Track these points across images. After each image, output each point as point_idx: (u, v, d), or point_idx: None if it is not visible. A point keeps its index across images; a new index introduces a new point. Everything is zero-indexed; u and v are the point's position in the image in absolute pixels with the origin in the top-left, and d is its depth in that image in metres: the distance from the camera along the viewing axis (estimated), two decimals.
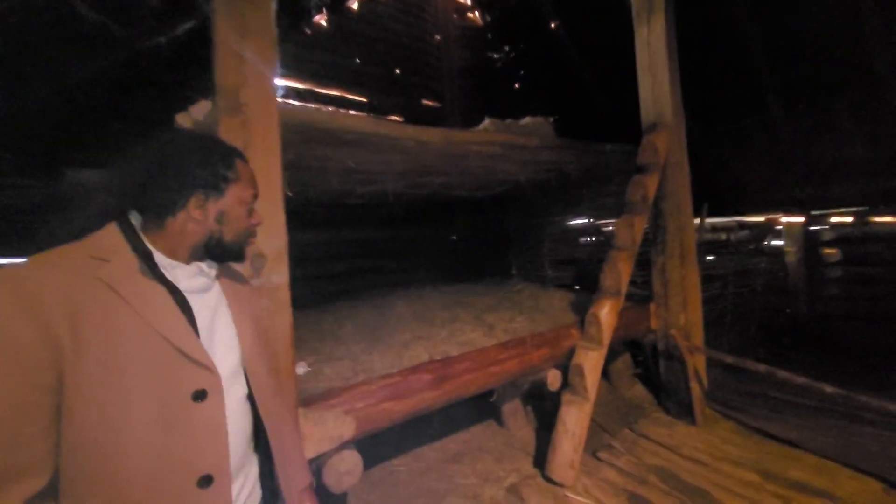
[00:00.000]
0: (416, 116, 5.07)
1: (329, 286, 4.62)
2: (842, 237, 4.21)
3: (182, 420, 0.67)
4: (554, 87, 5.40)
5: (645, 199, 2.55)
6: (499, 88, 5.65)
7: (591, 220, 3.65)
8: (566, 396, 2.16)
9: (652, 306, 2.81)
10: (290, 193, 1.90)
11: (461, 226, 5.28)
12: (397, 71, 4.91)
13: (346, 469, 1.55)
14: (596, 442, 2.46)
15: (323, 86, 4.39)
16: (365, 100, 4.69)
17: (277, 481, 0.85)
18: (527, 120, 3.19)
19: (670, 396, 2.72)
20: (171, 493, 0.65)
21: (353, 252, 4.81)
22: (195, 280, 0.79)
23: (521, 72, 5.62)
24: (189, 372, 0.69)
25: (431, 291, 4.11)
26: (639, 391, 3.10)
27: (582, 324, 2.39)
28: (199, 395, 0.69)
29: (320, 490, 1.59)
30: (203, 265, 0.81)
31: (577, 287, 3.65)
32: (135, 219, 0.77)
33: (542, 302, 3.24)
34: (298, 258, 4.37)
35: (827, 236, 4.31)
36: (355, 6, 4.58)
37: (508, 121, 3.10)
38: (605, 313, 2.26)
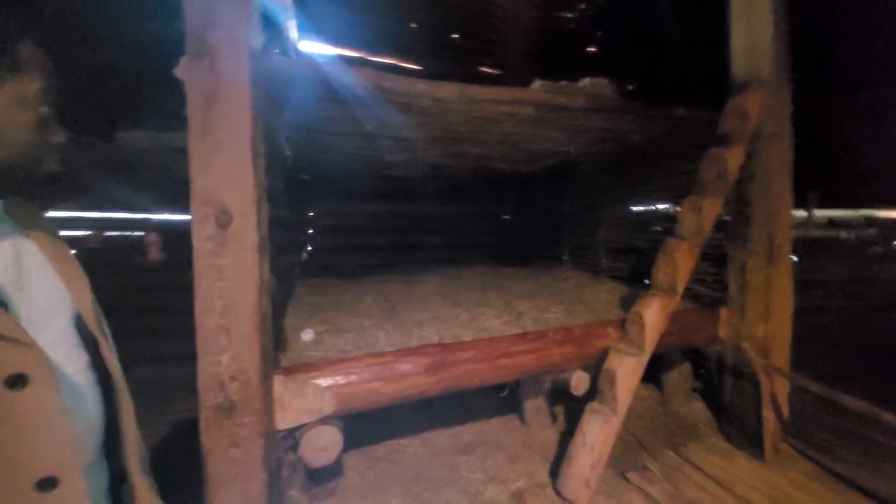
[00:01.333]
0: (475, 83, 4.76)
1: (371, 258, 4.65)
2: None
3: None
4: (634, 50, 4.68)
5: (722, 177, 2.05)
6: (570, 53, 5.06)
7: (659, 203, 3.11)
8: (591, 405, 1.86)
9: (722, 311, 2.31)
10: (288, 153, 1.82)
11: (513, 205, 4.94)
12: (454, 36, 4.61)
13: (323, 445, 1.47)
14: (629, 459, 2.13)
15: (374, 54, 4.28)
16: (419, 67, 4.49)
17: (125, 463, 0.68)
18: (585, 81, 2.75)
19: (734, 421, 2.25)
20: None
21: (397, 226, 4.77)
22: None
23: (599, 32, 4.96)
24: None
25: (470, 271, 3.92)
26: (696, 409, 2.63)
27: (623, 323, 2.03)
28: (16, 381, 0.52)
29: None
30: None
31: (633, 280, 3.18)
32: None
33: (587, 293, 2.86)
34: (341, 229, 4.47)
35: None
36: None
37: (563, 83, 2.71)
38: (652, 313, 1.88)
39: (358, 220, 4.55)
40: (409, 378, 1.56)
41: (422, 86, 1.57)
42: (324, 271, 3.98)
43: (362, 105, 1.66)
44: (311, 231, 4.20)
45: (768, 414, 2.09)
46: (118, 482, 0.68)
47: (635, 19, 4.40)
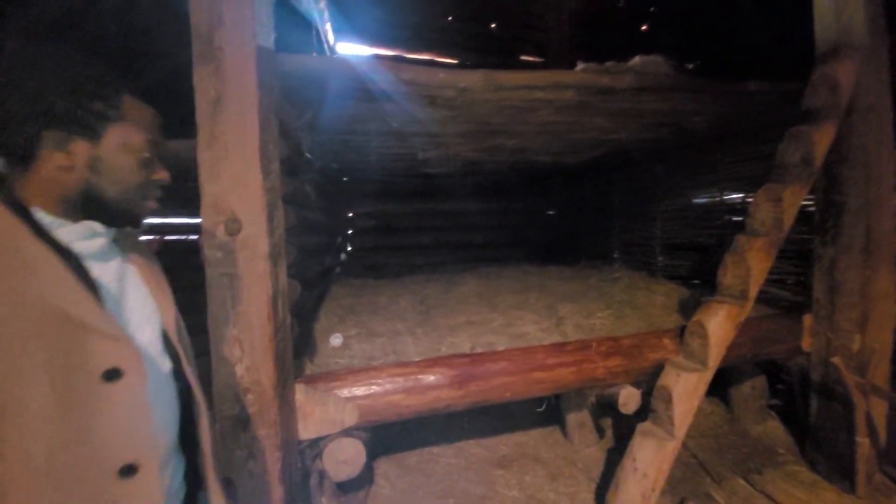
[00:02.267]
0: None
1: (416, 257, 4.61)
2: None
3: (93, 403, 0.58)
4: (695, 25, 4.19)
5: (808, 160, 1.72)
6: (620, 34, 4.66)
7: (728, 193, 2.73)
8: (643, 426, 1.64)
9: (806, 319, 1.96)
10: (308, 156, 1.78)
11: (559, 199, 4.67)
12: (493, 25, 4.42)
13: (345, 458, 1.41)
14: (689, 486, 1.88)
15: (411, 51, 4.21)
16: (456, 61, 4.36)
17: (202, 470, 0.74)
18: (635, 60, 2.47)
19: (821, 447, 1.90)
20: (87, 486, 0.57)
21: (438, 225, 4.69)
22: (89, 243, 0.66)
23: (651, 7, 4.52)
24: (96, 346, 0.58)
25: (514, 270, 3.74)
26: (772, 430, 2.27)
27: (682, 332, 1.77)
28: (113, 374, 0.59)
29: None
30: (96, 225, 0.67)
31: (694, 281, 2.84)
32: None
33: (639, 296, 2.59)
34: (382, 228, 4.47)
35: None
36: None
37: (609, 63, 2.45)
38: (717, 323, 1.61)
39: (399, 219, 4.54)
40: (433, 391, 1.46)
41: (442, 75, 1.45)
42: (365, 271, 4.00)
43: (384, 100, 1.58)
44: (350, 231, 4.24)
45: (862, 440, 1.74)
46: (195, 488, 0.74)
47: None
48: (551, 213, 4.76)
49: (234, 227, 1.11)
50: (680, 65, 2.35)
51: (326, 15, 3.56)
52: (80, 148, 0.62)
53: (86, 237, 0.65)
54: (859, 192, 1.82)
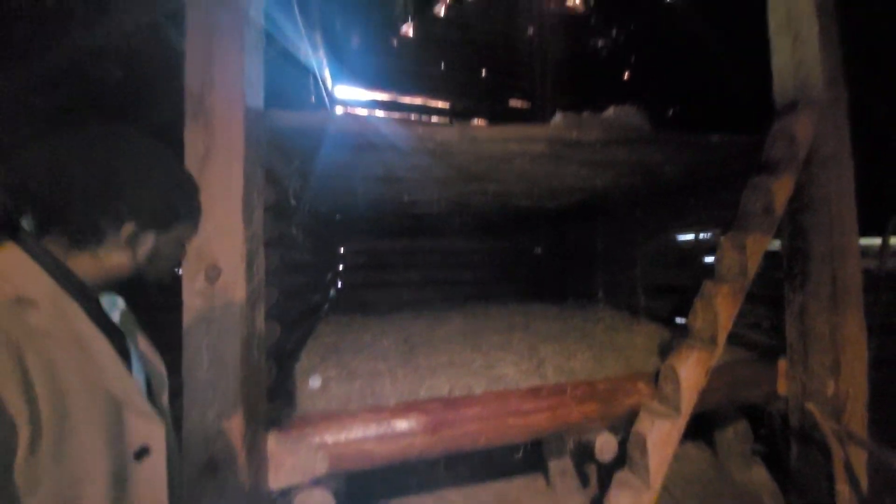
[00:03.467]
0: (502, 119, 4.78)
1: (405, 294, 4.63)
2: None
3: (126, 483, 0.58)
4: (672, 73, 4.48)
5: (768, 210, 1.81)
6: (602, 80, 4.96)
7: (704, 233, 2.83)
8: (620, 475, 1.63)
9: (781, 363, 1.99)
10: (293, 202, 1.86)
11: (544, 239, 4.77)
12: (483, 72, 4.69)
13: None
14: None
15: (405, 94, 4.44)
16: (447, 105, 4.59)
17: None
18: (609, 111, 2.64)
19: (804, 495, 1.88)
20: None
21: (430, 262, 4.75)
22: (114, 315, 0.70)
23: (632, 58, 4.83)
24: (131, 425, 0.60)
25: (500, 309, 3.76)
26: (757, 476, 2.24)
27: (657, 377, 1.79)
28: (142, 453, 0.61)
29: None
30: (118, 299, 0.71)
31: (677, 321, 2.87)
32: (29, 226, 0.61)
33: (620, 337, 2.61)
34: (372, 265, 4.51)
35: None
36: (442, 13, 4.54)
37: (585, 114, 2.61)
38: (688, 369, 1.64)
39: (388, 256, 4.60)
40: (406, 437, 1.46)
41: (422, 130, 1.54)
42: (353, 307, 4.01)
43: (369, 150, 1.68)
44: (341, 268, 4.29)
45: (842, 488, 1.73)
46: None
47: (668, 42, 4.24)
48: (537, 252, 4.84)
49: (213, 274, 1.16)
50: (654, 114, 2.51)
51: (325, 62, 3.78)
52: (147, 241, 0.64)
53: (111, 310, 0.68)
54: (823, 239, 1.90)
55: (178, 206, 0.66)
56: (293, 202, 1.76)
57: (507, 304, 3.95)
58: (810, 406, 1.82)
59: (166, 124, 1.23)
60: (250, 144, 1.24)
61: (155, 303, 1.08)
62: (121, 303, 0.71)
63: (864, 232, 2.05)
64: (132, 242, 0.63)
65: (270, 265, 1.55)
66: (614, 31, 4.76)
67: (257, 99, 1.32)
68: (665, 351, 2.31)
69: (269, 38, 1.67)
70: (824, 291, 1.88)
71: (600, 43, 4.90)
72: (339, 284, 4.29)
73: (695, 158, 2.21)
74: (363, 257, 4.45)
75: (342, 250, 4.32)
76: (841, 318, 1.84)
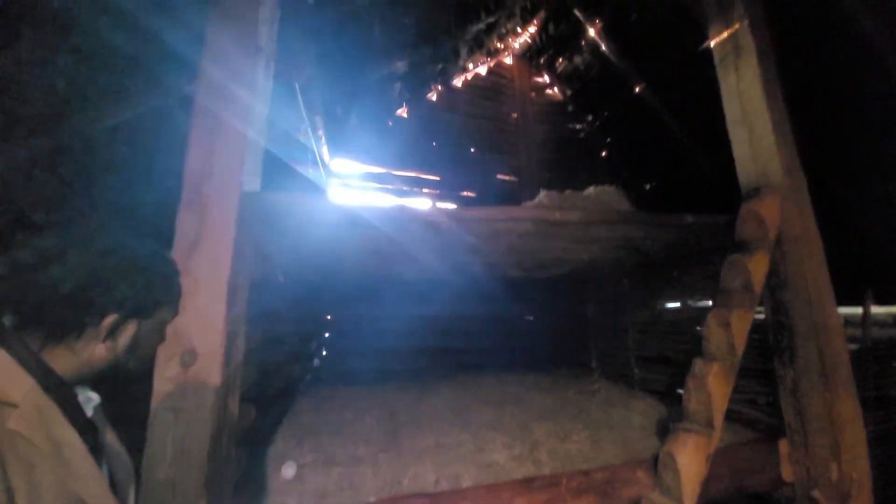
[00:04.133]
0: (491, 191, 5.02)
1: (393, 363, 4.48)
2: None
3: None
4: (646, 153, 4.85)
5: (747, 286, 1.86)
6: (582, 159, 5.33)
7: (687, 306, 2.86)
8: None
9: (782, 445, 1.91)
10: (281, 279, 1.87)
11: (536, 307, 4.76)
12: (472, 149, 5.02)
13: None
14: None
15: (399, 168, 4.70)
16: (438, 178, 4.84)
17: None
18: (590, 190, 2.79)
19: None
20: None
21: (419, 330, 4.66)
22: (87, 409, 0.66)
23: (608, 139, 5.25)
24: None
25: (491, 379, 3.62)
26: None
27: (655, 462, 1.70)
28: None
29: None
30: (92, 394, 0.68)
31: (672, 395, 2.79)
32: (9, 322, 0.60)
33: (617, 414, 2.51)
34: (359, 332, 4.41)
35: None
36: (434, 98, 4.97)
37: (568, 192, 2.76)
38: (688, 455, 1.56)
39: (377, 323, 4.51)
40: None
41: (409, 212, 1.61)
42: (337, 377, 3.84)
43: (361, 228, 1.73)
44: (327, 335, 4.18)
45: None
46: None
47: (642, 126, 4.64)
48: (529, 319, 4.81)
49: (189, 359, 1.12)
50: (633, 191, 2.65)
51: (324, 139, 4.03)
52: (128, 331, 0.64)
53: (85, 405, 0.65)
54: (804, 314, 1.94)
55: (159, 294, 0.66)
56: (281, 278, 1.77)
57: (499, 375, 3.81)
58: (816, 493, 1.72)
59: (161, 202, 1.26)
60: (242, 226, 1.27)
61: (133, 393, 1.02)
62: (94, 397, 0.68)
63: (842, 302, 2.11)
64: (112, 334, 0.62)
65: (251, 342, 1.51)
66: (591, 117, 5.22)
67: (254, 183, 1.38)
68: (663, 430, 2.21)
69: (271, 121, 1.80)
70: (814, 368, 1.87)
71: (578, 126, 5.35)
72: (324, 353, 4.14)
73: (673, 235, 2.31)
74: (351, 324, 4.36)
75: (329, 317, 4.24)
76: (833, 395, 1.81)
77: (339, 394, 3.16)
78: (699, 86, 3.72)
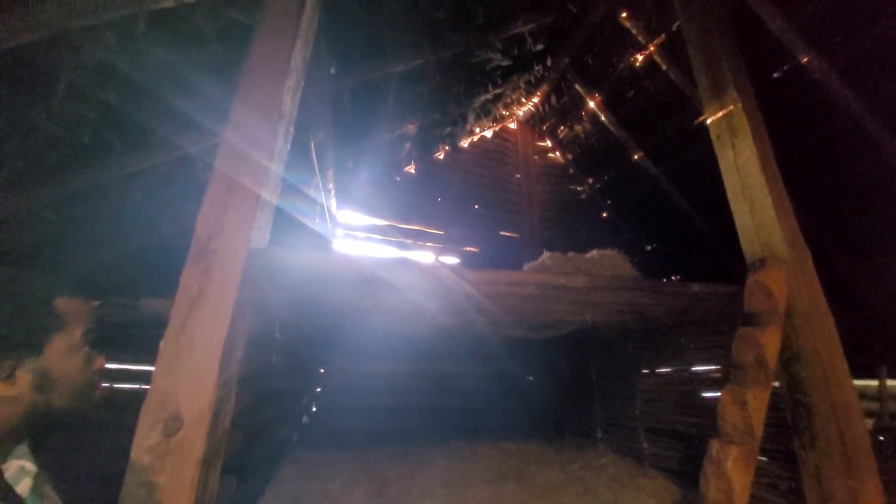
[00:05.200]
0: (493, 247, 5.07)
1: (387, 423, 4.23)
2: None
3: None
4: (646, 216, 4.96)
5: (761, 361, 1.79)
6: (583, 219, 5.45)
7: (694, 374, 2.75)
8: None
9: None
10: (279, 335, 1.81)
11: (537, 366, 4.60)
12: (476, 206, 5.14)
13: None
14: None
15: (404, 222, 4.78)
16: (442, 232, 4.91)
17: None
18: (593, 253, 2.81)
19: None
20: None
21: (415, 387, 4.47)
22: (20, 486, 0.59)
23: (608, 201, 5.39)
24: None
25: (489, 447, 3.40)
26: None
27: None
28: None
29: None
30: (25, 463, 0.61)
31: (685, 476, 2.59)
32: None
33: (627, 496, 2.32)
34: (352, 388, 4.23)
35: None
36: (441, 157, 5.18)
37: (571, 254, 2.77)
38: None
39: (371, 378, 4.34)
40: None
41: (410, 274, 1.60)
42: (327, 438, 3.60)
43: (361, 285, 1.71)
44: (318, 390, 3.99)
45: None
46: None
47: (641, 190, 4.78)
48: (530, 379, 4.63)
49: (174, 426, 1.04)
50: (635, 254, 2.66)
51: (333, 191, 4.14)
52: (27, 369, 0.60)
53: (15, 481, 0.59)
54: (822, 392, 1.84)
55: (45, 321, 0.63)
56: (279, 335, 1.71)
57: (498, 442, 3.58)
58: None
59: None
60: (246, 283, 1.25)
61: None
62: (30, 466, 0.61)
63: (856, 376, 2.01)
64: (8, 378, 0.58)
65: (240, 404, 1.43)
66: (591, 179, 5.40)
67: (263, 240, 1.39)
68: None
69: (284, 178, 1.85)
70: (836, 451, 1.74)
71: (579, 188, 5.52)
72: (315, 409, 3.93)
73: (678, 303, 2.27)
74: (344, 378, 4.19)
75: (322, 371, 4.08)
76: (858, 482, 1.67)
77: (326, 459, 2.95)
78: (696, 156, 3.89)
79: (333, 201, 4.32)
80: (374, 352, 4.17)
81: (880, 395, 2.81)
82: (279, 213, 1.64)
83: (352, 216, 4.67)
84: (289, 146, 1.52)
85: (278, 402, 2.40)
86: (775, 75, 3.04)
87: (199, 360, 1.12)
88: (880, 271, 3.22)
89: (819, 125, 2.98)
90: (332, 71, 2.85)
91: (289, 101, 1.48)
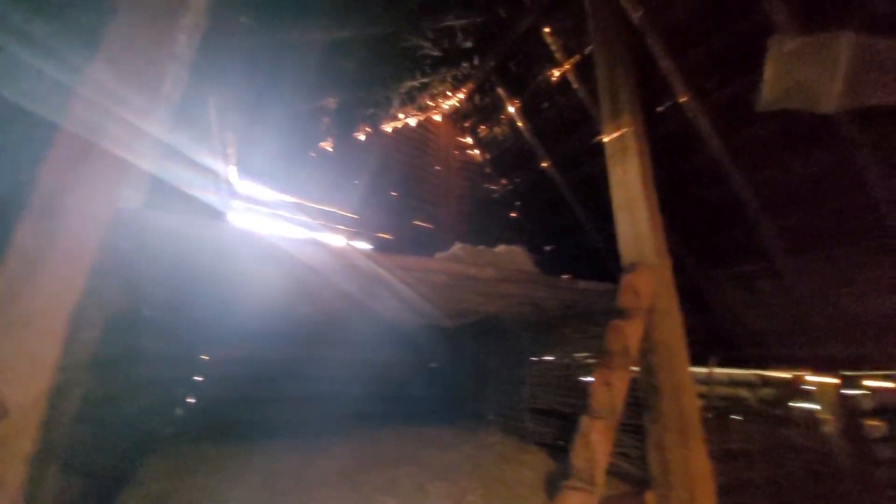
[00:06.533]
0: (406, 236, 5.07)
1: (280, 412, 3.98)
2: (884, 406, 3.42)
3: None
4: (548, 219, 5.42)
5: (626, 350, 2.10)
6: (494, 217, 5.74)
7: (575, 361, 3.12)
8: None
9: (648, 497, 2.10)
10: (149, 313, 1.59)
11: (441, 353, 4.76)
12: (393, 193, 5.08)
13: None
14: None
15: (316, 201, 4.50)
16: (356, 216, 4.75)
17: None
18: (501, 248, 2.99)
19: None
20: None
21: (315, 375, 4.28)
22: None
23: (517, 202, 5.76)
24: None
25: (389, 433, 3.43)
26: None
27: None
28: None
29: None
30: None
31: (561, 449, 2.93)
32: None
33: (510, 470, 2.54)
34: (245, 376, 3.90)
35: (867, 404, 3.52)
36: (362, 138, 4.99)
37: (481, 247, 2.90)
38: None
39: (264, 366, 4.03)
40: None
41: (319, 248, 1.52)
42: (208, 431, 3.25)
43: (250, 261, 1.56)
44: (199, 379, 3.58)
45: None
46: None
47: (546, 195, 5.20)
48: (433, 366, 4.77)
49: None
50: (535, 252, 2.89)
51: (233, 159, 3.70)
52: None
53: None
54: (667, 376, 2.23)
55: None
56: (150, 312, 1.49)
57: (398, 427, 3.62)
58: None
59: None
60: (106, 250, 1.05)
61: None
62: None
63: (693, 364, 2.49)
64: None
65: (92, 393, 1.21)
66: (504, 180, 5.72)
67: (133, 201, 1.18)
68: (551, 487, 2.28)
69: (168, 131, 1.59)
70: (674, 426, 2.13)
71: (493, 187, 5.81)
72: (194, 401, 3.52)
73: (569, 296, 2.54)
74: (231, 366, 3.82)
75: (205, 358, 3.66)
76: (690, 451, 2.07)
77: (207, 453, 2.67)
78: (593, 170, 4.36)
79: (233, 169, 3.87)
80: (269, 337, 3.88)
81: (709, 380, 3.51)
82: (162, 177, 1.41)
83: (255, 188, 4.25)
84: (179, 95, 1.31)
85: (147, 391, 2.09)
86: (658, 109, 3.54)
87: (34, 338, 0.91)
88: (719, 281, 4.00)
89: (687, 155, 3.55)
90: (243, 19, 2.53)
91: (183, 41, 1.27)
